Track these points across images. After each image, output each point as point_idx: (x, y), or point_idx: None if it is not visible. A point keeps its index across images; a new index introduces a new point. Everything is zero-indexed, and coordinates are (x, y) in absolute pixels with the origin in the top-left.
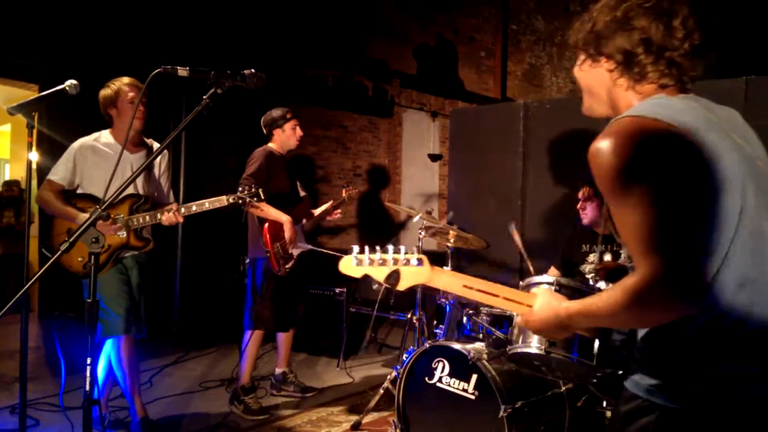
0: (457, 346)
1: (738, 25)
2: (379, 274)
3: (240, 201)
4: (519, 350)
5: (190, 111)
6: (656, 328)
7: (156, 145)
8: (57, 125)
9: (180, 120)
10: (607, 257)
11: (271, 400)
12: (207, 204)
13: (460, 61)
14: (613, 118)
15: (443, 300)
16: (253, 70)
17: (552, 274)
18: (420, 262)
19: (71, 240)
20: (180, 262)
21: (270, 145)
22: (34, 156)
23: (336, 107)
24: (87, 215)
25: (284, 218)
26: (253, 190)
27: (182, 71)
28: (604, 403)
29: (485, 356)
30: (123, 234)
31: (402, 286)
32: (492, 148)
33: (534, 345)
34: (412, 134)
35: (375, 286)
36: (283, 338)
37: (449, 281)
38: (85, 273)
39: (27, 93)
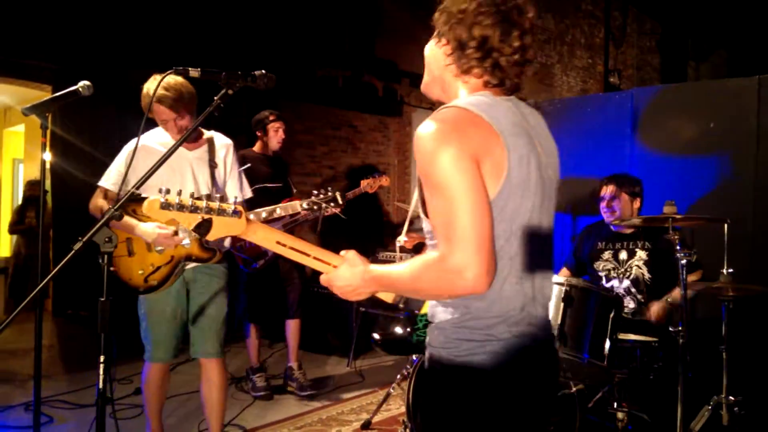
0: None
1: (750, 24)
2: (189, 220)
3: (315, 206)
4: None
5: (201, 110)
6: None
7: (219, 137)
8: (70, 125)
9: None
10: (623, 255)
11: (283, 399)
12: (279, 210)
13: None
14: (442, 104)
15: None
16: (263, 71)
17: (563, 275)
18: (237, 213)
19: (84, 240)
20: None
21: (253, 149)
22: (48, 156)
23: (346, 107)
24: (148, 225)
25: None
26: (330, 194)
27: (193, 72)
28: (615, 405)
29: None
30: (187, 242)
31: (212, 235)
32: None
33: None
34: None
35: (181, 235)
36: (289, 331)
37: (264, 236)
38: (147, 288)
39: (40, 94)
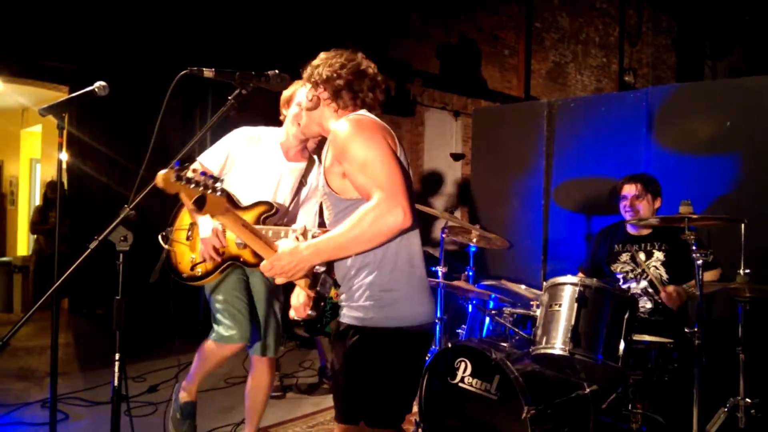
0: (479, 346)
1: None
2: (191, 194)
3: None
4: (542, 351)
5: (215, 103)
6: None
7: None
8: (87, 126)
9: (206, 117)
10: (642, 256)
11: (296, 398)
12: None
13: (483, 60)
14: (321, 134)
15: (464, 301)
16: (277, 71)
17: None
18: (223, 193)
19: (99, 238)
20: None
21: None
22: (64, 156)
23: None
24: (207, 220)
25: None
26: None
27: (208, 73)
28: (629, 406)
29: (508, 357)
30: (241, 244)
31: (203, 212)
32: (515, 147)
33: (558, 346)
34: (435, 133)
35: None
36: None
37: (234, 219)
38: (190, 276)
39: (58, 95)
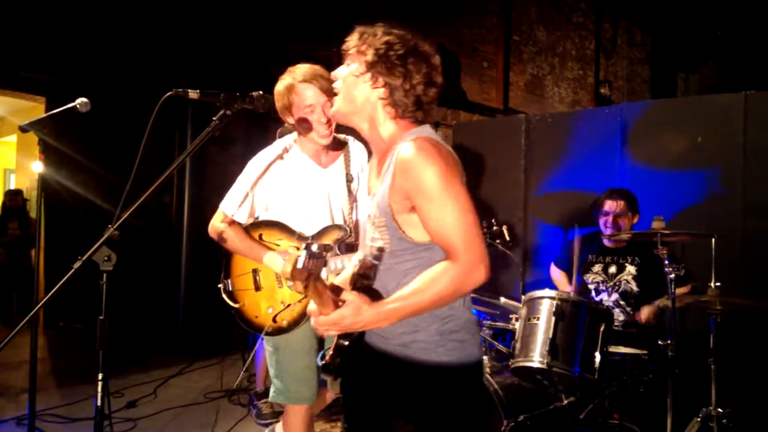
0: None
1: (739, 35)
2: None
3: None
4: (521, 364)
5: (195, 118)
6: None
7: (354, 144)
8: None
9: (185, 128)
10: (612, 269)
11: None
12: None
13: (462, 72)
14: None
15: None
16: (261, 92)
17: (558, 275)
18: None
19: (83, 258)
20: (184, 273)
21: None
22: (39, 167)
23: None
24: (274, 254)
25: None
26: (496, 228)
27: (193, 94)
28: (606, 417)
29: (488, 369)
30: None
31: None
32: (495, 160)
33: (536, 359)
34: None
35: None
36: None
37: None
38: (276, 329)
39: (33, 105)
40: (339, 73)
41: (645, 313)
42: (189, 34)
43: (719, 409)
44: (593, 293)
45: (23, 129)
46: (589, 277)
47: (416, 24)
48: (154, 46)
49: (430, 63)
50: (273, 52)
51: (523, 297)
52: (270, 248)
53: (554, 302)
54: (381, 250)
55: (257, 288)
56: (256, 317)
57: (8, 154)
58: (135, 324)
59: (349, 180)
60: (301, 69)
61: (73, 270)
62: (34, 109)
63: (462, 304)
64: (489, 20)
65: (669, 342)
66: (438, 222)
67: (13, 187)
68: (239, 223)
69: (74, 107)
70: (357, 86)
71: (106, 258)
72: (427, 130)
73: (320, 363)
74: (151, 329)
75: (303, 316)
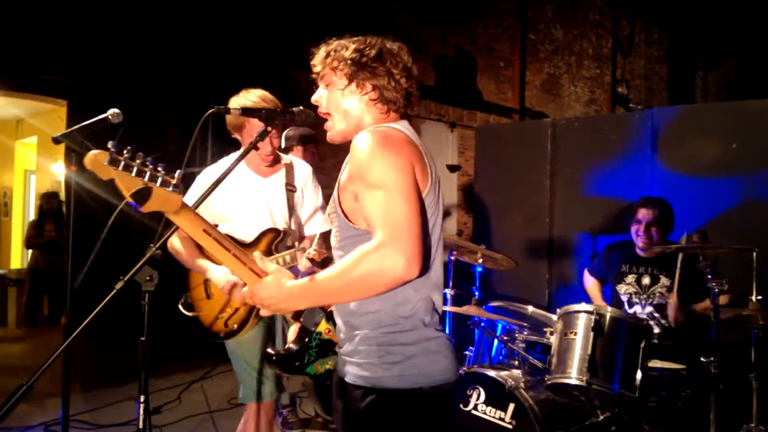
0: (492, 373)
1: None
2: (129, 184)
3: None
4: (558, 380)
5: (216, 129)
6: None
7: (298, 162)
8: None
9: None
10: (646, 280)
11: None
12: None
13: (478, 72)
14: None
15: (473, 325)
16: (301, 107)
17: (591, 285)
18: (177, 189)
19: (125, 279)
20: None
21: None
22: (62, 169)
23: None
24: (219, 269)
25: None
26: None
27: (234, 111)
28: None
29: (522, 384)
30: None
31: (147, 207)
32: (519, 165)
33: (574, 376)
34: (431, 145)
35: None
36: None
37: (192, 221)
38: (228, 332)
39: (52, 107)
40: (320, 97)
41: (672, 311)
42: (207, 37)
43: (761, 427)
44: (626, 305)
45: (56, 140)
46: (622, 288)
47: (432, 25)
48: (173, 49)
49: (402, 57)
50: (289, 54)
51: (558, 310)
52: (215, 262)
53: (592, 317)
54: (335, 239)
55: (208, 297)
56: (211, 324)
57: (29, 156)
58: (156, 327)
59: (290, 189)
60: (256, 93)
61: (115, 290)
62: (54, 111)
63: (422, 316)
64: (505, 19)
65: (712, 359)
66: (367, 204)
67: (33, 188)
68: (191, 238)
69: (106, 118)
70: (345, 100)
71: (148, 278)
72: (400, 123)
73: (269, 351)
74: (172, 333)
75: (248, 319)
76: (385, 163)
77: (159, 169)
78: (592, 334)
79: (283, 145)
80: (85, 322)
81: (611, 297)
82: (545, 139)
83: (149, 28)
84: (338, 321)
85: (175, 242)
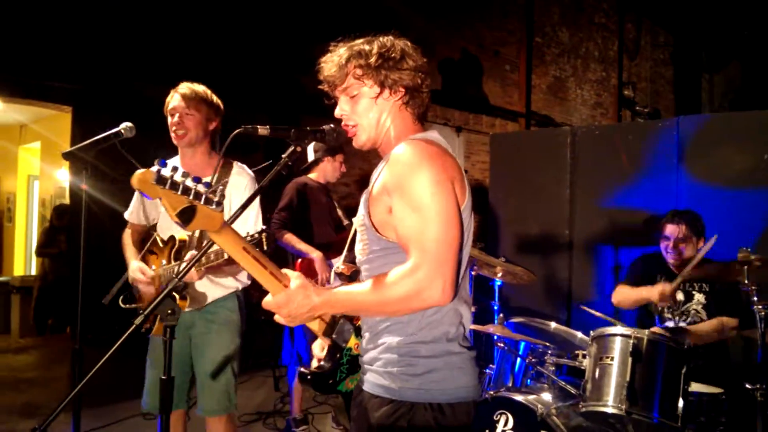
0: (520, 398)
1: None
2: (175, 202)
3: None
4: (594, 408)
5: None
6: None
7: (235, 167)
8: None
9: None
10: (679, 296)
11: None
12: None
13: (484, 75)
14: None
15: (500, 345)
16: (332, 126)
17: (625, 290)
18: (220, 207)
19: (146, 312)
20: None
21: (310, 175)
22: (65, 174)
23: None
24: (134, 263)
25: (314, 254)
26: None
27: (263, 131)
28: None
29: (554, 411)
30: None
31: (192, 226)
32: (536, 174)
33: (611, 404)
34: None
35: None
36: None
37: (233, 240)
38: (147, 328)
39: (55, 113)
40: (344, 109)
41: (659, 289)
42: (213, 43)
43: None
44: (657, 320)
45: (66, 156)
46: (653, 303)
47: (438, 28)
48: (178, 56)
49: (418, 54)
50: (296, 59)
51: (591, 332)
52: (147, 258)
53: (630, 341)
54: (362, 252)
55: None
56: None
57: (32, 161)
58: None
59: (213, 194)
60: (179, 89)
61: (134, 326)
62: (58, 117)
63: (447, 329)
64: (511, 23)
65: (758, 386)
66: (403, 221)
67: (37, 193)
68: (139, 233)
69: (119, 132)
70: (376, 107)
71: (170, 311)
72: (433, 134)
73: (303, 371)
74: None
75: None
76: (428, 181)
77: (201, 186)
78: (630, 359)
79: (312, 158)
80: (105, 358)
81: (639, 310)
82: (564, 148)
83: (154, 34)
84: (363, 327)
85: (123, 234)
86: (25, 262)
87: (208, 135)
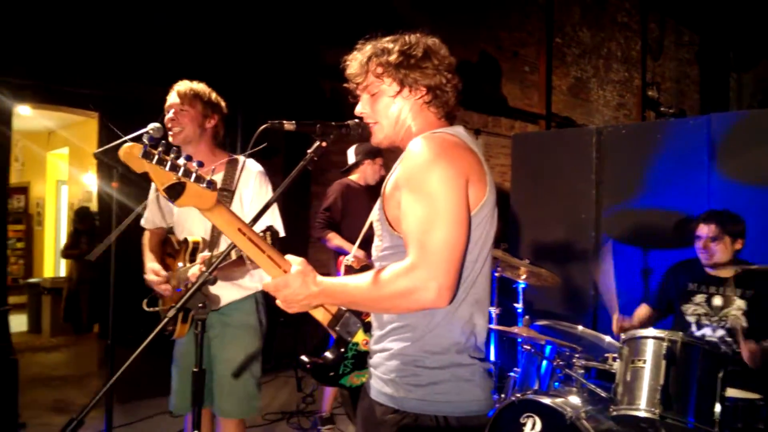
0: (548, 400)
1: None
2: (163, 178)
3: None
4: (626, 412)
5: (245, 127)
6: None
7: (251, 165)
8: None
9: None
10: (717, 301)
11: None
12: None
13: (503, 77)
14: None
15: (526, 347)
16: (357, 121)
17: (642, 313)
18: (212, 185)
19: (177, 306)
20: None
21: (351, 177)
22: (92, 179)
23: None
24: (150, 264)
25: (355, 251)
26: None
27: (288, 126)
28: None
29: (583, 414)
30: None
31: (180, 202)
32: (560, 175)
33: (643, 408)
34: None
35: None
36: None
37: (227, 220)
38: (169, 332)
39: (83, 119)
40: (364, 108)
41: (748, 350)
42: (233, 47)
43: None
44: (693, 327)
45: (97, 157)
46: (689, 308)
47: (455, 29)
48: (200, 60)
49: (445, 52)
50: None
51: (622, 335)
52: (166, 261)
53: (663, 344)
54: (377, 248)
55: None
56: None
57: (61, 166)
58: None
59: (224, 192)
60: (176, 88)
61: (167, 318)
62: (85, 123)
63: (457, 338)
64: (530, 23)
65: None
66: (407, 217)
67: (66, 198)
68: (157, 235)
69: (146, 132)
70: (395, 106)
71: (201, 305)
72: (456, 128)
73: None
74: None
75: (177, 318)
76: (437, 176)
77: (194, 164)
78: (663, 362)
79: (352, 160)
80: (137, 352)
81: (674, 319)
82: (589, 148)
83: (176, 40)
84: (373, 324)
85: (143, 238)
86: (54, 265)
87: (207, 132)
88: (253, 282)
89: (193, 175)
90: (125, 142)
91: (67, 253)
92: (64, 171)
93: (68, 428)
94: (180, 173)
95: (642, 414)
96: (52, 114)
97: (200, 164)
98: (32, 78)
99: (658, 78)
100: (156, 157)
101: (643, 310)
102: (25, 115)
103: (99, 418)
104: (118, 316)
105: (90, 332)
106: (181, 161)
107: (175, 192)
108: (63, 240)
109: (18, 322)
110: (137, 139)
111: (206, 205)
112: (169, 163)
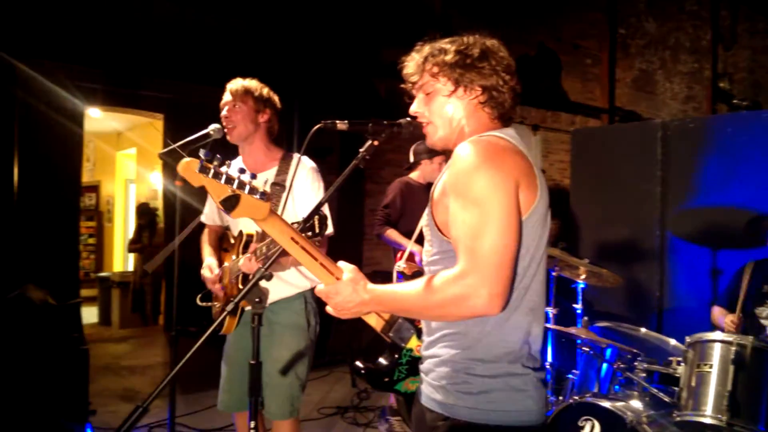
0: (608, 404)
1: None
2: (219, 190)
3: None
4: (691, 418)
5: (302, 127)
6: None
7: (304, 161)
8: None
9: (292, 134)
10: None
11: None
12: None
13: (563, 70)
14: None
15: (585, 349)
16: (408, 119)
17: (718, 314)
18: (264, 196)
19: (236, 300)
20: None
21: (411, 175)
22: (158, 178)
23: None
24: (207, 259)
25: (414, 248)
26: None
27: (341, 125)
28: None
29: (645, 419)
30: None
31: (236, 213)
32: (623, 171)
33: (710, 414)
34: None
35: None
36: None
37: (280, 230)
38: (218, 326)
39: (149, 120)
40: (419, 107)
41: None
42: (292, 49)
43: None
44: (767, 331)
45: (162, 158)
46: (763, 311)
47: (513, 22)
48: (258, 62)
49: (504, 54)
50: (373, 63)
51: (687, 338)
52: (222, 256)
53: (731, 348)
54: (427, 252)
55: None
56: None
57: (129, 166)
58: None
59: (277, 186)
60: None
61: (225, 312)
62: (151, 124)
63: (511, 347)
64: (592, 14)
65: None
66: (455, 223)
67: (134, 196)
68: (215, 231)
69: (208, 134)
70: (449, 106)
71: (257, 299)
72: (507, 131)
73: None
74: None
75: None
76: (486, 181)
77: (247, 176)
78: (731, 367)
79: (412, 159)
80: (196, 346)
81: (746, 321)
82: (654, 143)
83: (236, 43)
84: (423, 330)
85: (203, 235)
86: (123, 259)
87: (261, 128)
88: (303, 280)
89: (247, 187)
90: (188, 143)
91: (131, 247)
92: (132, 170)
93: (133, 416)
94: (235, 185)
95: (708, 420)
96: (121, 116)
97: (253, 176)
98: (102, 82)
99: (731, 69)
100: (212, 171)
101: (719, 311)
102: (96, 117)
103: (163, 407)
104: (181, 309)
105: (156, 324)
106: (235, 173)
107: (230, 204)
108: (131, 236)
109: (89, 314)
110: (198, 140)
111: (260, 215)
112: (224, 177)
